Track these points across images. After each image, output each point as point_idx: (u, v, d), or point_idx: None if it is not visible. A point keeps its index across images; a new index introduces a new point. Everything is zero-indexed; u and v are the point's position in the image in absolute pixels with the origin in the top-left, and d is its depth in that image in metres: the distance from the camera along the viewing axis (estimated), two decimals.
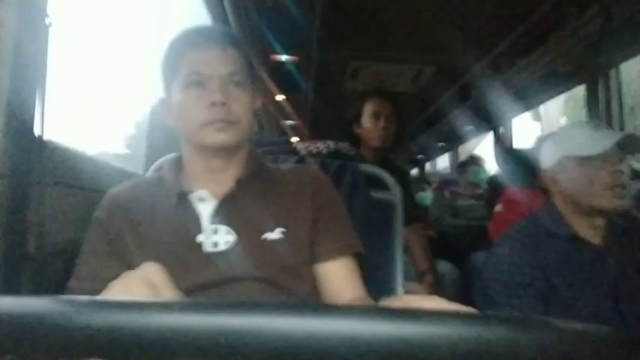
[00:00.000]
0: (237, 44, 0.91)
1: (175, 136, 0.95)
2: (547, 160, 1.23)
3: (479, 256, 2.20)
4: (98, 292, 0.78)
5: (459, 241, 2.71)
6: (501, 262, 1.17)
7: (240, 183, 0.89)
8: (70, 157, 1.13)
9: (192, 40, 0.89)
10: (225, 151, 0.89)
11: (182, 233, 0.85)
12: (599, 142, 1.13)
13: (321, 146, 1.43)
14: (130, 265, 0.82)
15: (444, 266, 2.17)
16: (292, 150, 1.40)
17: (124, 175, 1.47)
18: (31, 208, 0.94)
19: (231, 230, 0.85)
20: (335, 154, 1.44)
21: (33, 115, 0.95)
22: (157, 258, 0.82)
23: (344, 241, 0.92)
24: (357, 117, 2.01)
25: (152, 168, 1.25)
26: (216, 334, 0.32)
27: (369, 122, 1.97)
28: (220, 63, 0.87)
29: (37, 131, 0.96)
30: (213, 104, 0.84)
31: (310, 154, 1.39)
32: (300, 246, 0.88)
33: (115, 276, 0.79)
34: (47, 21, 0.96)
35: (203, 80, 0.86)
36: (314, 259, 0.90)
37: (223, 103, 0.84)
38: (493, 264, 1.19)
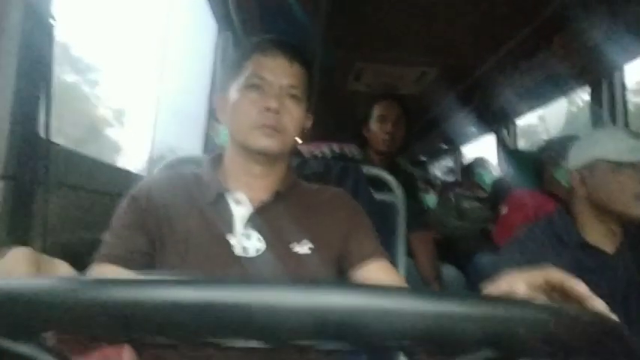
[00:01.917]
0: (303, 60, 0.94)
1: (179, 138, 0.96)
2: (576, 160, 1.21)
3: (482, 258, 2.19)
4: (128, 261, 0.80)
5: (464, 243, 2.70)
6: (508, 267, 1.15)
7: (278, 195, 0.91)
8: (74, 158, 1.14)
9: (263, 45, 0.93)
10: (266, 158, 0.91)
11: (214, 232, 0.87)
12: (637, 150, 1.12)
13: (326, 150, 1.43)
14: (162, 250, 0.85)
15: (449, 271, 2.16)
16: (296, 152, 1.40)
17: (128, 176, 1.47)
18: (35, 209, 0.94)
19: (262, 238, 0.87)
20: (340, 158, 1.44)
21: (37, 116, 0.95)
22: (187, 251, 0.84)
23: (376, 246, 0.95)
24: (366, 119, 2.00)
25: (159, 168, 1.25)
26: (216, 309, 0.32)
27: (376, 126, 1.96)
28: (284, 73, 0.90)
29: (41, 132, 0.96)
30: (267, 110, 0.86)
31: (315, 157, 1.39)
32: (326, 264, 0.90)
33: (143, 250, 0.84)
34: (51, 22, 0.97)
35: (263, 85, 0.89)
36: (349, 266, 0.92)
37: (277, 111, 0.86)
38: (500, 268, 1.18)
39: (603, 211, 1.15)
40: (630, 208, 1.11)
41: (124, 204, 0.89)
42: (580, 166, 1.20)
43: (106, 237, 0.86)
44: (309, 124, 0.99)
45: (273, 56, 0.90)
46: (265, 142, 0.87)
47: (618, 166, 1.12)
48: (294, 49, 0.93)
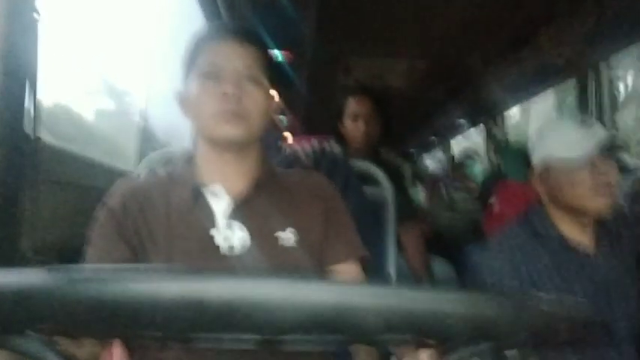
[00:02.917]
0: (256, 41, 0.91)
1: (168, 133, 0.95)
2: (535, 158, 1.20)
3: (472, 250, 2.21)
4: None
5: (454, 235, 2.72)
6: (490, 267, 1.15)
7: (256, 184, 0.90)
8: (61, 155, 1.13)
9: (212, 33, 0.91)
10: (235, 145, 0.89)
11: (195, 227, 0.85)
12: (580, 143, 1.10)
13: (306, 146, 1.42)
14: (143, 258, 0.83)
15: (439, 264, 2.18)
16: (277, 148, 1.39)
17: (115, 172, 1.46)
18: (23, 206, 0.93)
19: (244, 228, 0.86)
20: (321, 154, 1.42)
21: (23, 112, 0.94)
22: (170, 252, 0.83)
23: (351, 246, 0.94)
24: (340, 115, 1.93)
25: (143, 164, 1.24)
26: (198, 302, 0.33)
27: (349, 123, 1.89)
28: (237, 57, 0.87)
29: (28, 129, 0.95)
30: (225, 95, 0.84)
31: (296, 153, 1.37)
32: (311, 249, 0.89)
33: (126, 259, 0.82)
34: (36, 16, 0.96)
35: (218, 72, 0.86)
36: (321, 264, 0.91)
37: (235, 96, 0.84)
38: (483, 265, 1.18)
39: (565, 206, 1.14)
40: (587, 201, 1.10)
41: (100, 216, 0.87)
42: (537, 165, 1.19)
43: (87, 251, 0.85)
44: (275, 106, 0.97)
45: (224, 42, 0.88)
46: (228, 128, 0.84)
47: (569, 162, 1.11)
48: (244, 32, 0.91)
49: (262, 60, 0.91)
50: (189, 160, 0.95)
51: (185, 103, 0.92)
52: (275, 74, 0.95)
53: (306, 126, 4.59)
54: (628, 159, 1.93)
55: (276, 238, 0.87)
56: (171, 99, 0.94)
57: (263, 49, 0.92)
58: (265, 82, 0.90)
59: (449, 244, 2.54)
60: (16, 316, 0.33)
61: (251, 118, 0.86)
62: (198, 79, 0.88)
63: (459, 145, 4.89)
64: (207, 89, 0.86)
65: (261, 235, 0.86)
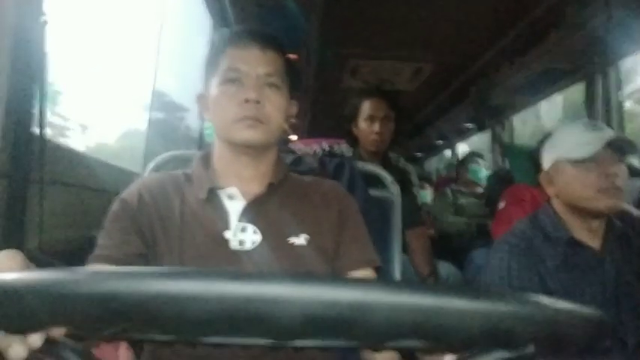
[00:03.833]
0: (278, 47, 0.92)
1: (174, 134, 0.95)
2: (545, 162, 1.23)
3: (478, 254, 2.20)
4: (123, 262, 0.81)
5: (461, 239, 2.71)
6: (499, 266, 1.16)
7: (271, 187, 0.91)
8: (69, 156, 1.14)
9: (234, 38, 0.92)
10: (253, 149, 0.90)
11: (209, 228, 0.86)
12: (589, 144, 1.12)
13: (316, 147, 1.41)
14: (155, 252, 0.84)
15: (446, 268, 2.17)
16: (287, 150, 1.39)
17: (123, 173, 1.47)
18: (30, 206, 0.94)
19: (258, 231, 0.87)
20: (330, 156, 1.42)
21: (32, 114, 0.95)
22: (183, 251, 0.83)
23: (365, 255, 0.94)
24: (354, 116, 1.95)
25: (151, 166, 1.24)
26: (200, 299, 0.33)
27: (364, 125, 1.91)
28: (259, 62, 0.88)
29: (36, 130, 0.96)
30: (247, 101, 0.85)
31: (302, 154, 1.37)
32: (323, 254, 0.90)
33: (137, 252, 0.83)
34: (43, 19, 0.96)
35: (240, 77, 0.88)
36: (336, 270, 0.92)
37: (257, 102, 0.85)
38: (491, 266, 1.19)
39: (575, 208, 1.16)
40: (595, 202, 1.11)
41: (115, 207, 0.88)
42: (547, 168, 1.22)
43: (100, 239, 0.86)
44: (294, 110, 0.98)
45: (245, 47, 0.89)
46: (249, 134, 0.86)
47: (578, 163, 1.13)
48: (265, 37, 0.91)
49: (283, 65, 0.92)
50: (206, 161, 0.95)
51: (206, 105, 0.94)
52: (294, 78, 0.96)
53: (310, 128, 4.60)
54: (636, 162, 1.91)
55: (288, 241, 0.88)
56: (177, 99, 0.95)
57: (284, 54, 0.93)
58: (285, 86, 0.91)
59: (455, 248, 2.53)
60: (39, 316, 0.33)
61: (271, 123, 0.88)
62: (219, 83, 0.89)
63: (465, 148, 4.87)
64: (229, 94, 0.87)
65: (274, 237, 0.87)
